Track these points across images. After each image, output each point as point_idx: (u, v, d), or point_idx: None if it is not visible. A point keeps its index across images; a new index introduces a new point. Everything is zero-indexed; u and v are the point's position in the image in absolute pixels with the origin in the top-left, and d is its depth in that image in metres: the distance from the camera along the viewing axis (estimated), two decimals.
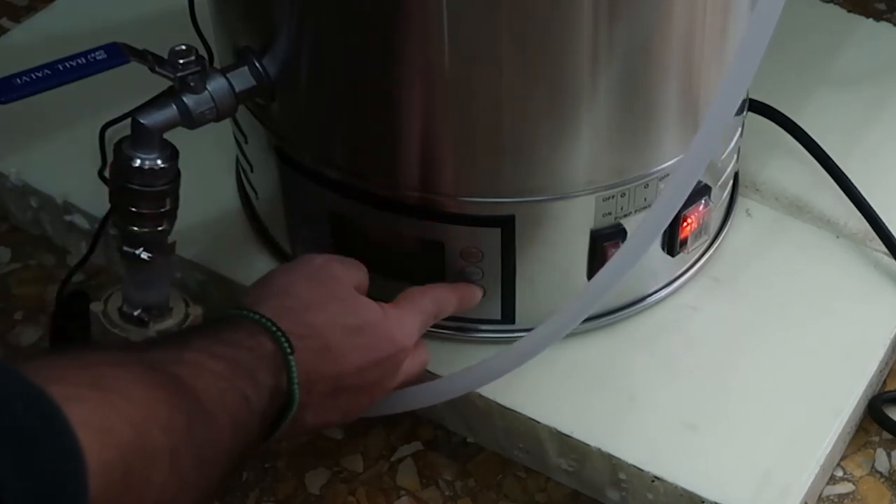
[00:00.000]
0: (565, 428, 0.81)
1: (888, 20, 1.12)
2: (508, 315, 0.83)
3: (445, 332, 0.85)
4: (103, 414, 0.53)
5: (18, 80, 0.73)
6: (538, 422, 0.82)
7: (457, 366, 0.79)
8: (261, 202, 0.90)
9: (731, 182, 0.90)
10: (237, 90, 0.76)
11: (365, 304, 0.73)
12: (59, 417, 0.50)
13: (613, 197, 0.78)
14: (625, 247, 0.72)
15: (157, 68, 0.74)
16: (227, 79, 0.76)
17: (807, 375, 0.84)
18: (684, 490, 0.78)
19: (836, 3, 1.13)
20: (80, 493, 0.50)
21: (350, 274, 0.75)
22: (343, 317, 0.71)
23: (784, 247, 0.92)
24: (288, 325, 0.68)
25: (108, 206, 0.78)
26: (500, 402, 0.82)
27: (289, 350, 0.67)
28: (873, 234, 0.91)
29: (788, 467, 0.79)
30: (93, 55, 0.74)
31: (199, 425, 0.59)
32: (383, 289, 0.84)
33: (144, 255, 0.76)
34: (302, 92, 0.77)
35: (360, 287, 0.75)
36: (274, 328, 0.67)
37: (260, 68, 0.77)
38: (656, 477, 0.79)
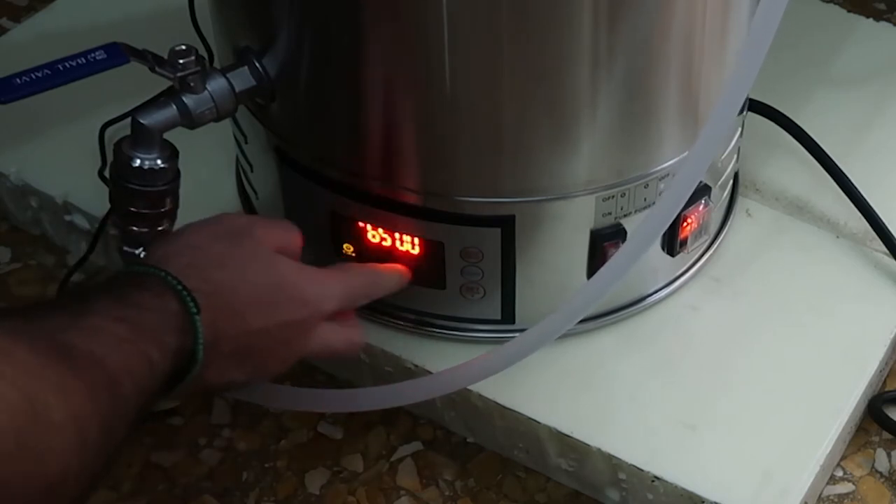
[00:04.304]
0: (565, 428, 0.81)
1: (888, 20, 1.12)
2: (508, 315, 0.83)
3: (445, 332, 0.85)
4: None
5: (18, 80, 0.73)
6: (538, 422, 0.81)
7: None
8: (261, 202, 0.90)
9: (731, 182, 0.90)
10: (237, 90, 0.76)
11: (279, 263, 0.71)
12: None
13: (613, 197, 0.78)
14: (626, 245, 0.72)
15: (157, 68, 0.74)
16: (227, 79, 0.76)
17: (807, 375, 0.84)
18: (684, 490, 0.78)
19: (836, 3, 1.13)
20: None
21: (272, 235, 0.72)
22: (253, 274, 0.69)
23: (784, 247, 0.92)
24: (195, 282, 0.65)
25: (108, 206, 0.78)
26: (500, 402, 0.82)
27: (195, 310, 0.64)
28: (873, 234, 0.91)
29: (788, 467, 0.79)
30: (93, 55, 0.74)
31: (102, 391, 0.57)
32: None
33: (144, 255, 0.76)
34: (302, 92, 0.77)
35: (285, 249, 0.72)
36: (179, 286, 0.64)
37: (260, 68, 0.77)
38: (656, 477, 0.79)
